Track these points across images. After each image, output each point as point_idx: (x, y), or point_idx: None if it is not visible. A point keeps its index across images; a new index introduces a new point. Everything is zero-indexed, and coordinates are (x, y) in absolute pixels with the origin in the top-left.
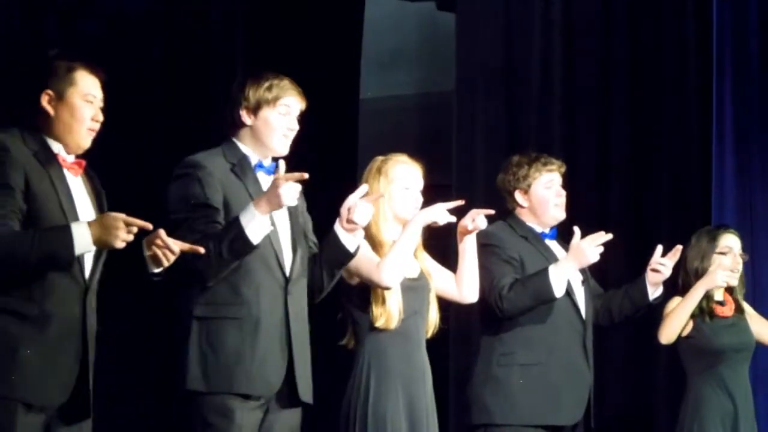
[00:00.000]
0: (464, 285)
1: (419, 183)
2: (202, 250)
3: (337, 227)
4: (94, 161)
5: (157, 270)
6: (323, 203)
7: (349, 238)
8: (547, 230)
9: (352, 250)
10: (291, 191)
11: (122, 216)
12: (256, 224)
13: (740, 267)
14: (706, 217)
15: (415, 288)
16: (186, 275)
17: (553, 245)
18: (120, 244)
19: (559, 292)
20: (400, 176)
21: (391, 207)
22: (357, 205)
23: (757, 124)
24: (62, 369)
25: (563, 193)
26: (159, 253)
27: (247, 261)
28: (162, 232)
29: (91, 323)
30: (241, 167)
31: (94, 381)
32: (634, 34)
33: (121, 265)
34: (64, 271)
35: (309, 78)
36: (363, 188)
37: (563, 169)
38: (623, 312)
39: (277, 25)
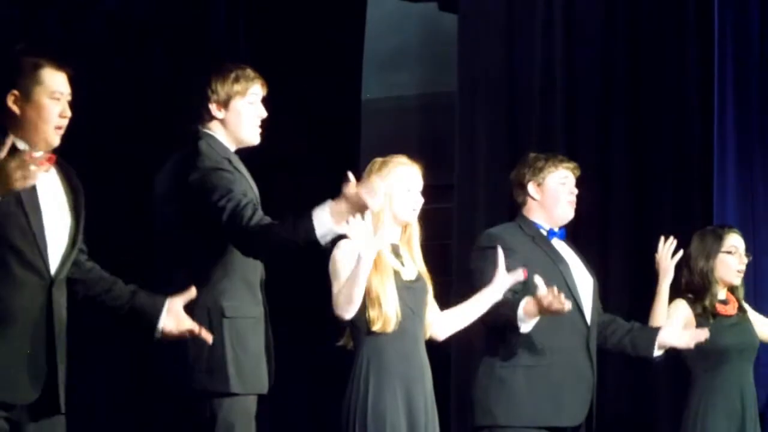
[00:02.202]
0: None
1: (419, 184)
2: (210, 338)
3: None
4: (93, 162)
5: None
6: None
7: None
8: (555, 228)
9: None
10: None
11: (14, 159)
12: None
13: (744, 267)
14: (708, 218)
15: (412, 289)
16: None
17: (561, 246)
18: (22, 184)
19: (525, 328)
20: (401, 178)
21: (391, 209)
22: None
23: (758, 126)
24: (30, 366)
25: (575, 191)
26: (183, 333)
27: (246, 258)
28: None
29: (60, 319)
30: (233, 161)
31: (69, 378)
32: (636, 35)
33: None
34: (27, 267)
35: (311, 79)
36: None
37: (578, 172)
38: (619, 347)
39: (279, 26)
